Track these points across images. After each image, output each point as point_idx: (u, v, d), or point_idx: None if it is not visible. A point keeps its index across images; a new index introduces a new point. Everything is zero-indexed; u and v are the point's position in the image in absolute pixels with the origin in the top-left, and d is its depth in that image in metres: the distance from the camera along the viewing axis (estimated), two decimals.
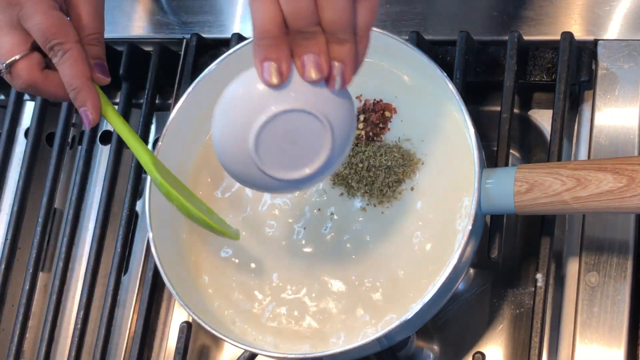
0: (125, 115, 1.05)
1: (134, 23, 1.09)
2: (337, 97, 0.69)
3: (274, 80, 0.67)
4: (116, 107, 1.03)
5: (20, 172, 1.08)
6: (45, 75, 0.83)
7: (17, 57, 0.82)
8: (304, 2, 0.65)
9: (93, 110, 0.83)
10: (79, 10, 0.84)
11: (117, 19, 1.09)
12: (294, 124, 0.69)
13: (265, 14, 0.65)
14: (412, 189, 0.86)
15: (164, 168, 0.86)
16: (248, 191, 0.91)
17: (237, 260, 0.90)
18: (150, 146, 1.06)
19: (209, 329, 0.83)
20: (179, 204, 0.82)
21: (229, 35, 1.02)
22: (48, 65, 0.83)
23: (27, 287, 1.03)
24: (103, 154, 1.10)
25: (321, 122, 0.69)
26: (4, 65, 0.82)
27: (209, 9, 1.07)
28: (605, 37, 0.93)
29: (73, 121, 1.11)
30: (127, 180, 1.02)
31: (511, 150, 0.95)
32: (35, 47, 0.82)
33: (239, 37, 1.01)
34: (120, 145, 1.04)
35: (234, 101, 0.70)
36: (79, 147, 1.09)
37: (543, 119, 0.97)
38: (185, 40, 1.05)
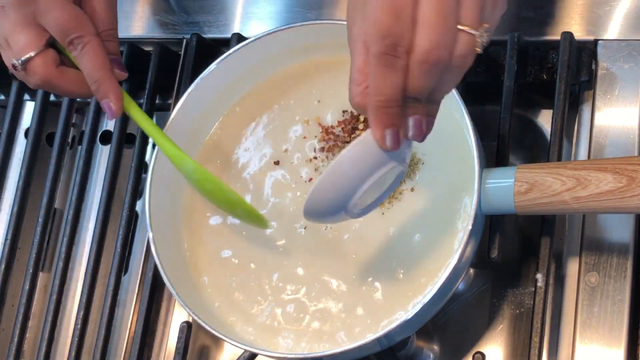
0: (126, 115, 1.05)
1: (134, 23, 1.09)
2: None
3: (395, 147, 0.68)
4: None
5: (20, 172, 1.07)
6: (60, 72, 0.83)
7: (32, 53, 0.82)
8: (431, 80, 0.66)
9: (116, 101, 0.83)
10: (94, 5, 0.84)
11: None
12: (387, 174, 0.73)
13: (393, 81, 0.65)
14: (412, 189, 0.86)
15: (189, 162, 0.87)
16: (250, 192, 0.91)
17: (237, 261, 0.90)
18: (150, 146, 1.06)
19: (209, 329, 0.83)
20: (217, 187, 0.83)
21: (229, 35, 1.02)
22: (63, 62, 0.83)
23: (27, 287, 1.03)
24: (103, 154, 1.10)
25: (404, 167, 0.75)
26: (20, 62, 0.82)
27: (209, 9, 1.07)
28: (605, 37, 0.93)
29: (73, 121, 1.11)
30: (127, 180, 1.02)
31: (511, 150, 0.95)
32: (50, 44, 0.82)
33: (239, 37, 1.01)
34: (120, 145, 1.04)
35: (350, 159, 0.72)
36: (79, 147, 1.09)
37: (543, 119, 0.97)
38: (185, 40, 1.05)
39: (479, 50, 0.66)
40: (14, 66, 0.83)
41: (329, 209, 0.76)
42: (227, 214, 0.90)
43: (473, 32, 0.65)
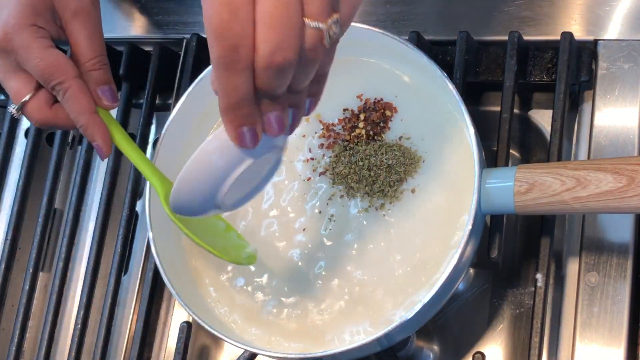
0: (125, 115, 1.05)
1: (134, 23, 1.09)
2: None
3: (251, 144, 0.66)
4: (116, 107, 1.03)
5: (20, 172, 1.08)
6: (55, 111, 0.83)
7: (26, 98, 0.82)
8: (281, 79, 0.62)
9: (103, 143, 0.83)
10: (75, 38, 0.83)
11: (117, 19, 1.09)
12: (254, 166, 0.71)
13: (237, 84, 0.62)
14: (412, 190, 0.86)
15: None
16: None
17: None
18: (150, 146, 1.06)
19: (209, 329, 0.83)
20: (189, 236, 0.82)
21: None
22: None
23: (27, 287, 1.03)
24: None
25: (279, 154, 0.72)
26: (15, 108, 0.83)
27: None
28: (605, 37, 0.93)
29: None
30: (127, 180, 1.02)
31: (511, 150, 0.95)
32: (41, 85, 0.83)
33: None
34: None
35: (208, 156, 0.70)
36: (79, 147, 1.09)
37: (543, 119, 0.97)
38: (185, 40, 1.05)
39: (326, 44, 0.62)
40: (11, 112, 0.84)
41: (195, 203, 0.74)
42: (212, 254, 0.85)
43: (320, 25, 0.61)
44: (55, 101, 0.83)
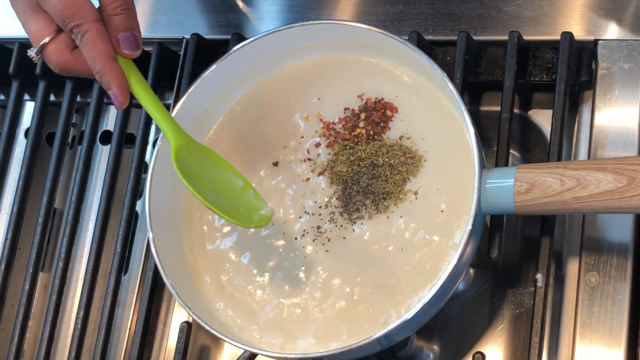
0: (126, 115, 1.05)
1: None
2: None
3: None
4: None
5: (20, 172, 1.08)
6: (75, 56, 0.81)
7: (45, 40, 0.80)
8: None
9: (119, 92, 0.80)
10: None
11: None
12: None
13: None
14: (413, 192, 0.86)
15: (194, 146, 0.84)
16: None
17: (237, 260, 0.90)
18: (150, 146, 1.06)
19: (209, 329, 0.83)
20: (194, 193, 0.80)
21: (229, 36, 1.02)
22: None
23: (27, 287, 1.03)
24: (103, 154, 1.10)
25: None
26: (34, 51, 0.80)
27: (209, 9, 1.07)
28: (605, 37, 0.93)
29: (73, 121, 1.11)
30: (127, 180, 1.02)
31: (511, 150, 0.95)
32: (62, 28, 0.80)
33: (239, 37, 1.01)
34: (120, 145, 1.04)
35: None
36: (79, 147, 1.09)
37: (543, 119, 0.97)
38: (185, 40, 1.05)
39: None
40: (30, 57, 0.81)
41: None
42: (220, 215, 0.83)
43: None
44: (76, 46, 0.80)
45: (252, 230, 0.90)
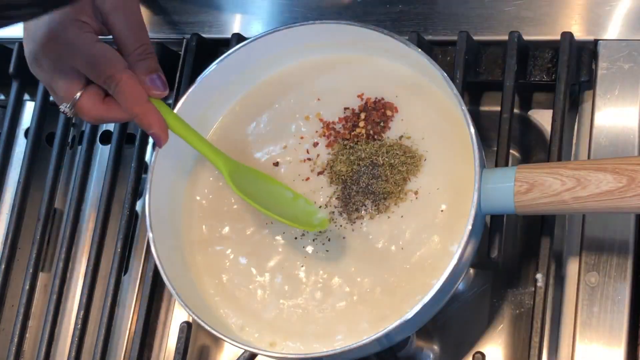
0: None
1: None
2: None
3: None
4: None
5: (20, 172, 1.08)
6: (107, 105, 0.84)
7: (77, 96, 0.83)
8: None
9: (160, 131, 0.84)
10: (118, 30, 0.83)
11: None
12: None
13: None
14: (414, 191, 0.86)
15: (241, 168, 0.88)
16: None
17: (237, 260, 0.90)
18: (150, 146, 1.06)
19: (209, 329, 0.83)
20: (261, 210, 0.84)
21: (229, 35, 1.02)
22: (108, 92, 0.84)
23: (27, 287, 1.03)
24: (103, 154, 1.10)
25: None
26: (68, 107, 0.83)
27: (209, 9, 1.07)
28: (605, 37, 0.93)
29: (73, 121, 1.11)
30: (127, 180, 1.02)
31: (511, 150, 0.95)
32: (89, 81, 0.83)
33: (239, 37, 1.01)
34: (120, 145, 1.04)
35: None
36: (79, 147, 1.09)
37: (543, 119, 0.97)
38: (185, 40, 1.05)
39: None
40: (64, 112, 0.84)
41: None
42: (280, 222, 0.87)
43: None
44: (106, 95, 0.83)
45: (251, 231, 0.90)
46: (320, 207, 0.88)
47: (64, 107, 0.83)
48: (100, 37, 0.84)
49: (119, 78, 0.81)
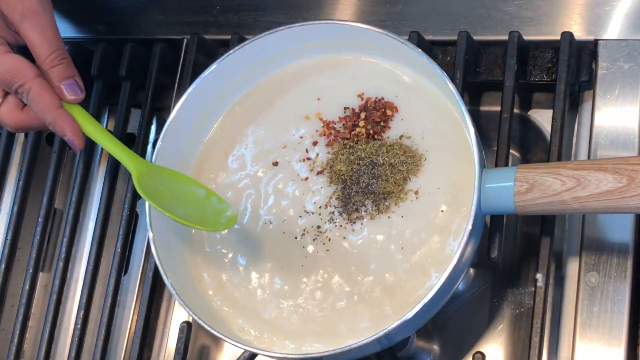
0: (126, 115, 1.05)
1: (134, 23, 1.09)
2: None
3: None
4: (116, 107, 1.03)
5: (20, 172, 1.08)
6: (26, 114, 0.85)
7: None
8: None
9: (74, 136, 0.85)
10: (29, 38, 0.85)
11: (117, 19, 1.09)
12: None
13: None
14: (414, 191, 0.86)
15: (154, 169, 0.87)
16: (249, 191, 0.91)
17: (237, 260, 0.90)
18: (150, 146, 1.06)
19: (209, 329, 0.83)
20: (163, 212, 0.84)
21: (229, 36, 1.02)
22: None
23: (27, 287, 1.03)
24: (103, 154, 1.10)
25: None
26: None
27: (209, 9, 1.07)
28: (605, 37, 0.93)
29: None
30: (127, 180, 1.02)
31: (511, 150, 0.95)
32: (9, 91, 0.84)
33: (239, 37, 1.01)
34: None
35: None
36: None
37: (543, 119, 0.97)
38: (185, 40, 1.05)
39: None
40: None
41: None
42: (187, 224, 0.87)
43: None
44: (25, 104, 0.85)
45: (251, 231, 0.90)
46: (320, 207, 0.88)
47: None
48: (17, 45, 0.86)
49: (29, 87, 0.83)
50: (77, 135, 0.85)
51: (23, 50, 0.87)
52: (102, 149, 1.10)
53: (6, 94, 0.85)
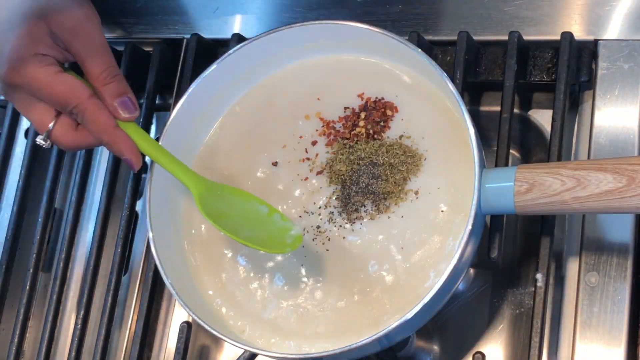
0: None
1: (134, 23, 1.09)
2: None
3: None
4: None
5: (20, 172, 1.08)
6: (81, 132, 0.84)
7: (49, 126, 0.83)
8: None
9: (131, 155, 0.84)
10: (80, 56, 0.83)
11: (117, 19, 1.09)
12: None
13: None
14: (414, 191, 0.86)
15: (215, 187, 0.86)
16: (249, 191, 0.91)
17: (237, 261, 0.90)
18: None
19: (209, 329, 0.83)
20: (228, 234, 0.83)
21: (229, 36, 1.02)
22: None
23: (27, 287, 1.03)
24: (103, 154, 1.10)
25: None
26: (42, 138, 0.84)
27: (209, 9, 1.07)
28: (605, 37, 0.93)
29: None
30: (127, 180, 1.02)
31: (511, 150, 0.95)
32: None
33: (239, 37, 1.01)
34: None
35: None
36: None
37: (543, 119, 0.97)
38: (185, 40, 1.05)
39: None
40: (40, 144, 0.84)
41: None
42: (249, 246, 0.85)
43: None
44: (78, 122, 0.84)
45: None
46: (320, 207, 0.88)
47: (39, 140, 0.84)
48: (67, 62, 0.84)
49: (83, 108, 0.81)
50: (135, 155, 0.84)
51: (73, 66, 0.86)
52: (102, 150, 1.10)
53: (59, 113, 0.83)
